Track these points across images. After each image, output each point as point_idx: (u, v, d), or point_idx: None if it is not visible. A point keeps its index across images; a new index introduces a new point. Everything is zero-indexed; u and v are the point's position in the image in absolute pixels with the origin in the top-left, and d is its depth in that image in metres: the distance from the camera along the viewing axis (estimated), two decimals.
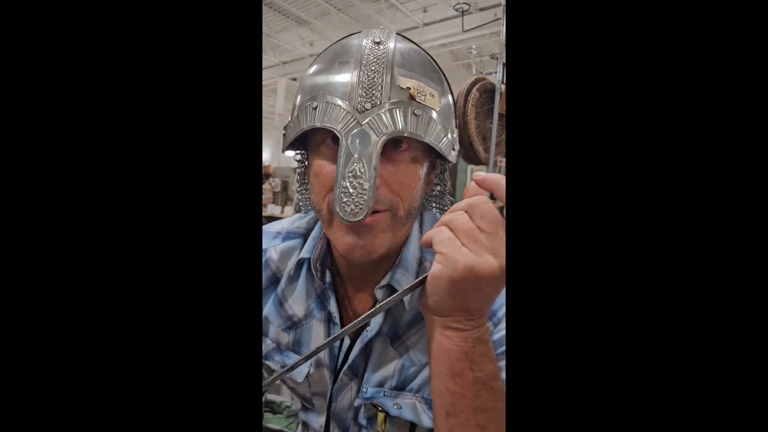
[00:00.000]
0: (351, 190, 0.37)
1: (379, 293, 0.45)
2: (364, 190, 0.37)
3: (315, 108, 0.39)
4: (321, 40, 5.69)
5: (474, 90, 1.67)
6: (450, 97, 0.45)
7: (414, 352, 0.46)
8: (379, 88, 0.38)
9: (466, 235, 0.33)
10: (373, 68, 0.39)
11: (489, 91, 1.72)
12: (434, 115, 0.40)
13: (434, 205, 0.48)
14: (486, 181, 0.34)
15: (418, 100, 0.39)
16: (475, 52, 1.93)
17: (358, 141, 0.37)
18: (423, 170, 0.43)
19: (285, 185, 4.59)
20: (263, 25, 5.07)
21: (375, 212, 0.39)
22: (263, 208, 3.83)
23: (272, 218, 3.37)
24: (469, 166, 1.85)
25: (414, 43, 0.45)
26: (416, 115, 0.39)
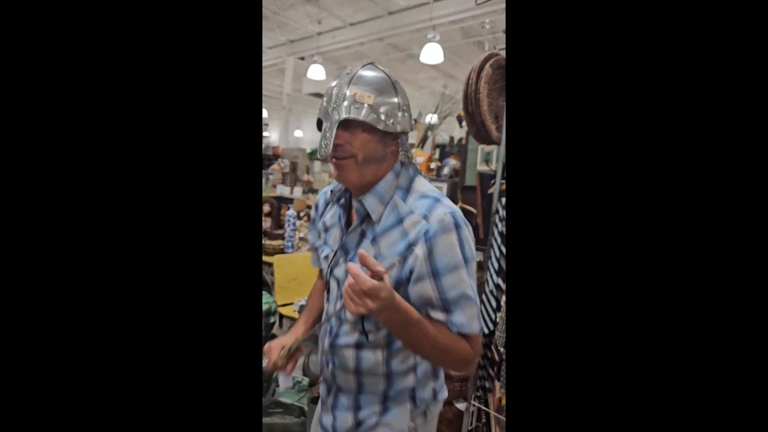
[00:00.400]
0: (323, 144, 0.71)
1: (356, 204, 0.75)
2: (327, 145, 0.70)
3: (320, 107, 0.74)
4: (329, 18, 5.56)
5: (487, 66, 1.62)
6: (394, 97, 0.74)
7: (382, 249, 0.72)
8: (341, 95, 0.71)
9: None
10: (340, 84, 0.72)
11: (503, 68, 1.66)
12: (365, 107, 0.70)
13: (411, 163, 0.79)
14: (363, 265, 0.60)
15: (357, 99, 0.70)
16: (488, 27, 1.85)
17: (328, 122, 0.71)
18: (372, 135, 0.72)
19: (294, 166, 4.59)
20: (270, 2, 4.98)
21: (342, 158, 0.71)
22: (273, 189, 3.85)
23: (282, 198, 3.40)
24: (480, 146, 1.81)
25: (381, 70, 0.76)
26: (356, 108, 0.70)
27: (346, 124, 0.70)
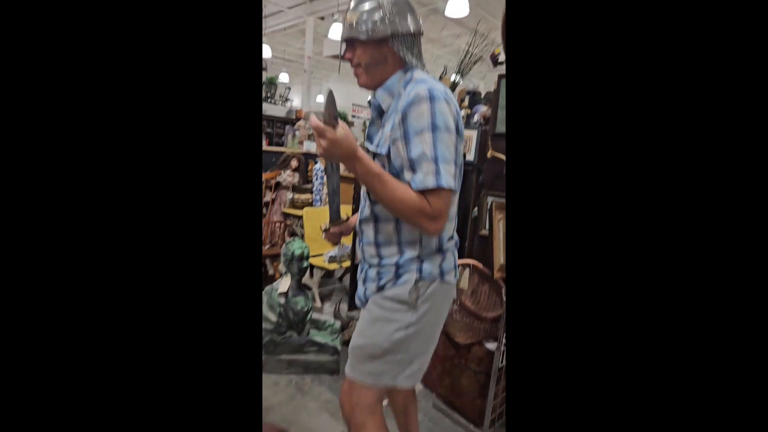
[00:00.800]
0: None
1: (372, 100, 0.92)
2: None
3: None
4: None
5: None
6: (374, 8, 0.85)
7: (386, 131, 0.85)
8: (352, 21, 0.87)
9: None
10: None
11: None
12: (354, 25, 0.86)
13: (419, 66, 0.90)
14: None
15: (347, 21, 0.87)
16: None
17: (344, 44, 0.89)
18: (364, 47, 0.86)
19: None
20: None
21: (355, 68, 0.90)
22: (300, 145, 3.87)
23: (309, 154, 3.44)
24: None
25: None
26: (348, 28, 0.87)
27: (350, 43, 0.88)
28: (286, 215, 2.96)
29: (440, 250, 0.91)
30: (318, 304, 2.65)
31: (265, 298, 1.96)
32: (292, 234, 2.85)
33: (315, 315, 2.10)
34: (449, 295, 0.95)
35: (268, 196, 3.01)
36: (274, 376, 1.90)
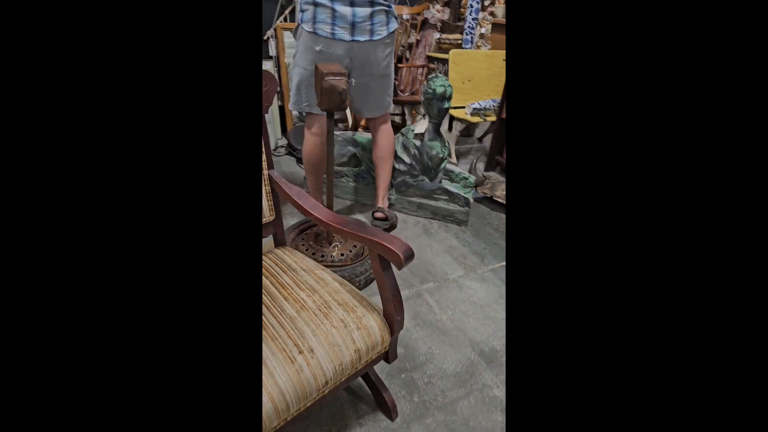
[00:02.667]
0: None
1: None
2: None
3: None
4: None
5: None
6: None
7: None
8: None
9: None
10: None
11: None
12: None
13: None
14: None
15: None
16: None
17: None
18: None
19: None
20: None
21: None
22: None
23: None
24: None
25: None
26: None
27: None
28: (430, 59, 2.68)
29: None
30: (453, 160, 2.53)
31: (400, 138, 1.91)
32: None
33: (449, 166, 1.99)
34: None
35: (412, 37, 2.72)
36: (403, 214, 1.96)
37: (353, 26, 1.33)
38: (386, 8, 1.37)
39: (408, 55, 2.74)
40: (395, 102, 2.59)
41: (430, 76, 1.76)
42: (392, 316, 0.87)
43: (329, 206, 1.44)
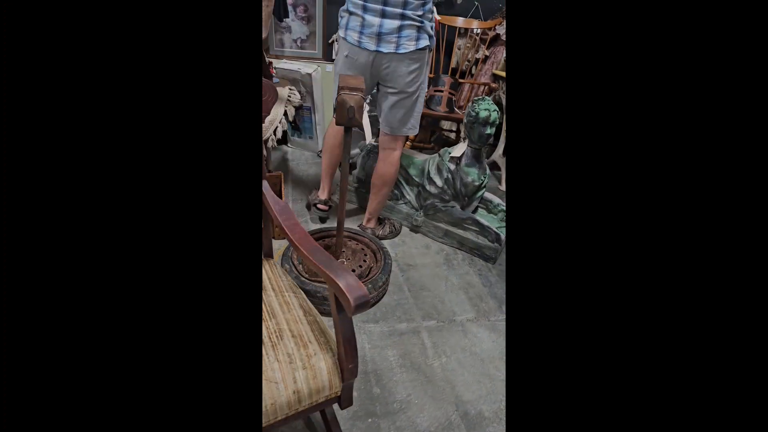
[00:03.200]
0: None
1: None
2: None
3: None
4: None
5: None
6: None
7: None
8: None
9: None
10: None
11: None
12: None
13: None
14: None
15: None
16: None
17: None
18: None
19: None
20: None
21: None
22: None
23: None
24: None
25: None
26: None
27: None
28: (495, 77, 2.51)
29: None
30: (503, 187, 2.35)
31: (436, 159, 1.80)
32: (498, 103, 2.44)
33: (489, 195, 1.84)
34: None
35: (480, 52, 2.58)
36: (428, 239, 1.85)
37: (379, 37, 1.35)
38: (418, 23, 1.33)
39: (474, 71, 2.60)
40: (451, 119, 2.47)
41: (476, 98, 1.63)
42: (344, 362, 0.79)
43: (340, 218, 1.39)
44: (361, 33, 1.36)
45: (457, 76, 2.50)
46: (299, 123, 2.53)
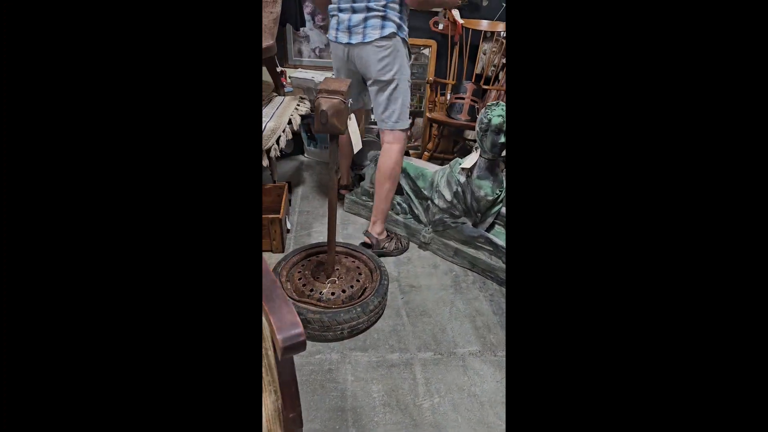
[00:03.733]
0: None
1: None
2: None
3: None
4: None
5: None
6: None
7: None
8: None
9: None
10: None
11: None
12: None
13: None
14: None
15: None
16: None
17: None
18: None
19: None
20: None
21: None
22: None
23: None
24: None
25: None
26: None
27: None
28: None
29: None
30: None
31: (446, 170, 1.65)
32: None
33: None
34: None
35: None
36: (437, 258, 1.69)
37: (349, 30, 1.47)
38: (382, 13, 1.43)
39: (501, 77, 2.43)
40: (473, 127, 2.31)
41: (489, 104, 1.47)
42: (283, 410, 0.67)
43: (331, 234, 1.28)
44: (337, 30, 1.51)
45: (481, 83, 2.34)
46: (314, 132, 2.48)
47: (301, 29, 2.37)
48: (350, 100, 1.00)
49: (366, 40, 1.44)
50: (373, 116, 1.69)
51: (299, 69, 2.45)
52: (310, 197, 2.11)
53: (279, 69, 2.15)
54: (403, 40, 1.47)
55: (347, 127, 1.06)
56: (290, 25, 2.32)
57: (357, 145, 1.13)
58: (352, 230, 1.86)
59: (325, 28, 2.48)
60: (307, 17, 2.38)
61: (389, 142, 1.56)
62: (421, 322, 1.37)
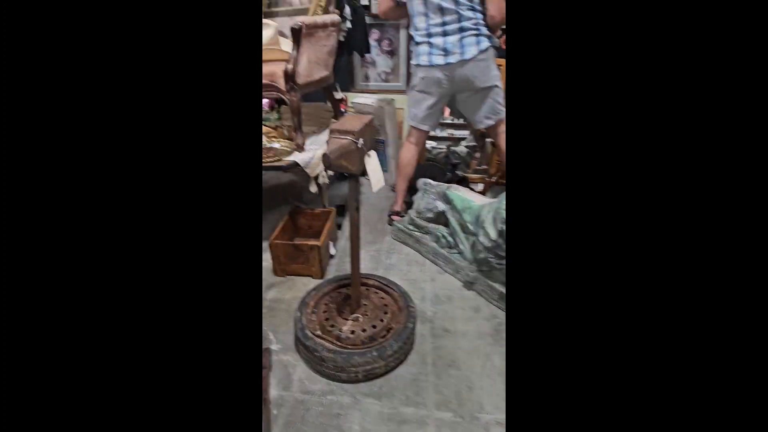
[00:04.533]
0: None
1: None
2: None
3: None
4: None
5: None
6: None
7: None
8: None
9: None
10: None
11: None
12: None
13: None
14: None
15: None
16: None
17: None
18: None
19: None
20: None
21: None
22: None
23: None
24: None
25: None
26: None
27: None
28: None
29: None
30: None
31: (493, 205, 1.49)
32: None
33: None
34: None
35: None
36: (480, 300, 1.54)
37: (446, 51, 1.64)
38: (475, 32, 1.61)
39: None
40: None
41: None
42: None
43: (354, 269, 1.24)
44: (430, 54, 1.65)
45: None
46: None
47: (367, 55, 2.42)
48: (362, 140, 0.96)
49: (466, 57, 1.63)
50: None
51: (365, 93, 2.50)
52: (363, 221, 2.11)
53: (339, 95, 2.22)
54: (494, 48, 1.69)
55: (365, 165, 1.02)
56: (357, 52, 2.38)
57: (376, 184, 1.08)
58: (395, 260, 1.80)
59: (391, 53, 2.49)
60: (373, 44, 2.42)
61: (502, 131, 1.83)
62: (447, 374, 1.24)
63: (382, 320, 1.30)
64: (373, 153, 1.05)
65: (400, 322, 1.30)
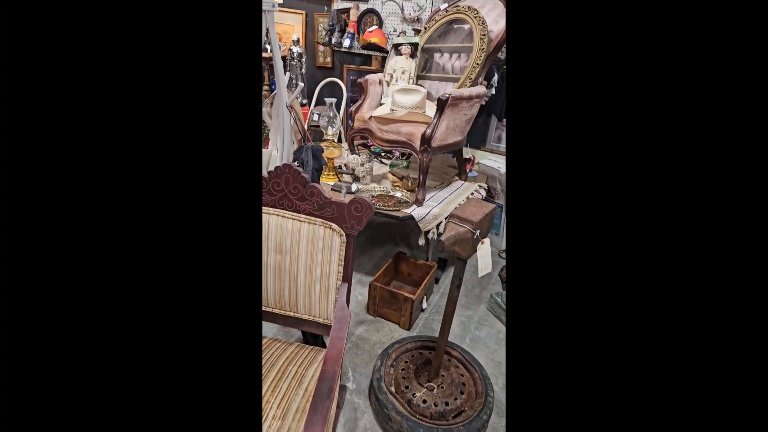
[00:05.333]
0: None
1: None
2: None
3: None
4: None
5: None
6: None
7: None
8: None
9: None
10: None
11: None
12: None
13: None
14: None
15: None
16: None
17: None
18: None
19: None
20: None
21: None
22: None
23: None
24: None
25: None
26: None
27: None
28: None
29: None
30: None
31: None
32: None
33: None
34: None
35: None
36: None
37: None
38: None
39: None
40: None
41: None
42: None
43: (441, 338, 1.26)
44: None
45: None
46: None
47: (504, 120, 2.44)
48: (479, 231, 0.99)
49: None
50: None
51: (494, 154, 2.51)
52: (464, 280, 2.10)
53: (468, 155, 2.27)
54: None
55: (475, 252, 1.05)
56: (495, 115, 2.42)
57: (483, 270, 1.10)
58: (485, 334, 1.74)
59: None
60: None
61: None
62: None
63: (456, 399, 1.28)
64: (486, 240, 1.07)
65: (474, 408, 1.26)
